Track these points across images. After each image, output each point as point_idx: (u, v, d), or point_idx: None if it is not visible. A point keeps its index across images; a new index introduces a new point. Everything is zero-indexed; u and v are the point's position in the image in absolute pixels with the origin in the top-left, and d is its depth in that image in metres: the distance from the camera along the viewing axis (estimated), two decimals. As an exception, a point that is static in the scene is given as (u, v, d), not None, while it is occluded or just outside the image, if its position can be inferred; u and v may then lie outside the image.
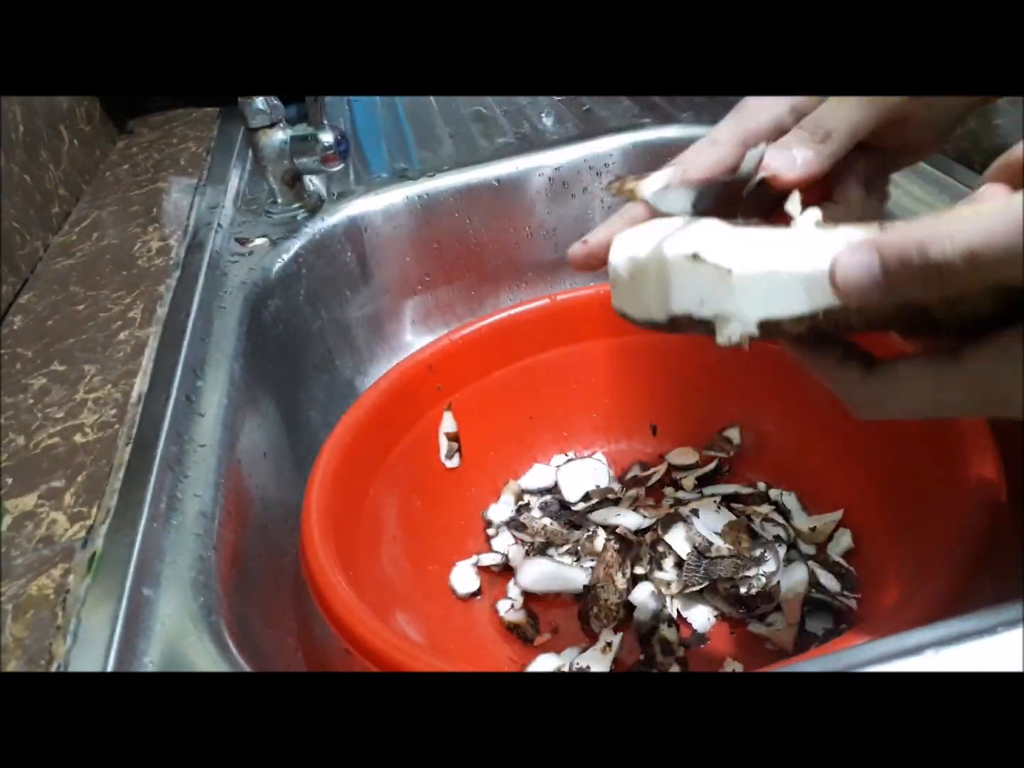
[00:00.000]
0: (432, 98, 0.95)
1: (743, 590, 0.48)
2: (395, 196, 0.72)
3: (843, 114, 0.34)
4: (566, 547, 0.55)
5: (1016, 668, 0.27)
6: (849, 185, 0.36)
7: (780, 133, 0.35)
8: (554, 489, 0.60)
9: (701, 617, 0.49)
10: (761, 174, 0.34)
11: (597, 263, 0.36)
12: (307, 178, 0.72)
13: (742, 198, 0.34)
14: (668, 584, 0.50)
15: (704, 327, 0.30)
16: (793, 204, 0.32)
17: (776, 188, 0.33)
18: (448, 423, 0.58)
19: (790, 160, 0.33)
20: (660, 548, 0.52)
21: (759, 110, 0.36)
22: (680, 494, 0.58)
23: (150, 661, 0.36)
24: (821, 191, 0.35)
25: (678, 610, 0.49)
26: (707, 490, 0.57)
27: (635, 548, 0.52)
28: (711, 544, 0.50)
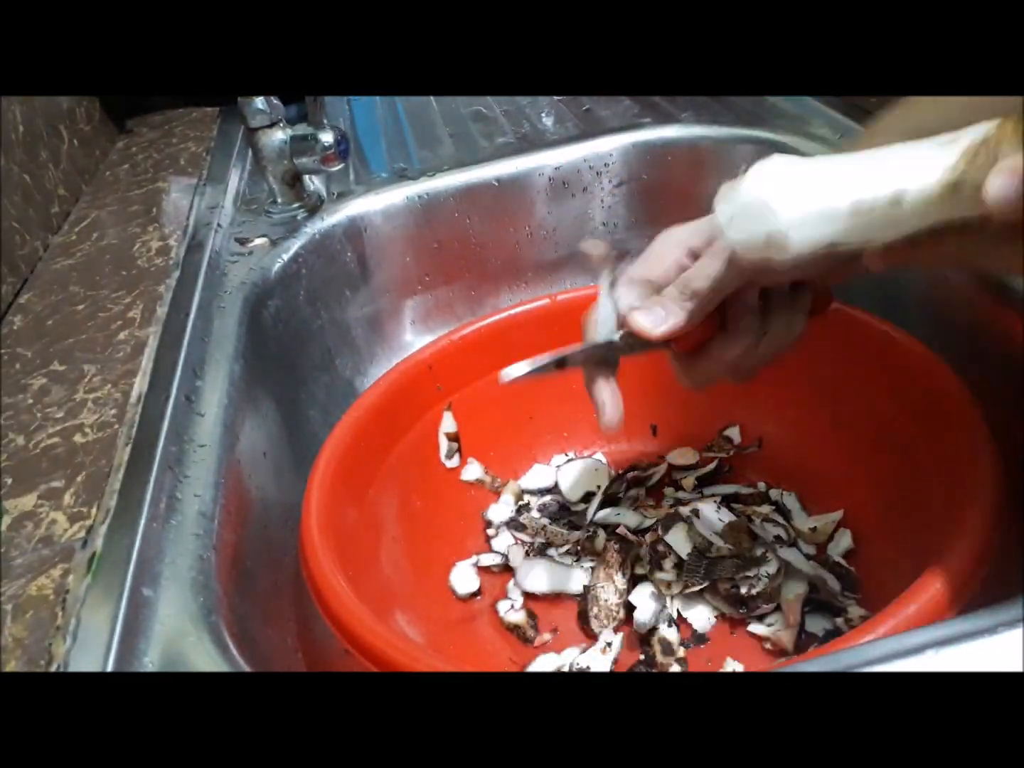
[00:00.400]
0: (432, 98, 0.95)
1: (743, 590, 0.48)
2: (395, 196, 0.72)
3: (706, 273, 0.38)
4: (566, 547, 0.55)
5: (1016, 668, 0.27)
6: (740, 315, 0.40)
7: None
8: (554, 489, 0.60)
9: (701, 617, 0.49)
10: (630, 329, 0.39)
11: None
12: (307, 178, 0.72)
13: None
14: (668, 584, 0.50)
15: None
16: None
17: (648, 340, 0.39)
18: (448, 423, 0.58)
19: (657, 318, 0.39)
20: (660, 548, 0.51)
21: (661, 257, 0.41)
22: (680, 494, 0.58)
23: (150, 661, 0.35)
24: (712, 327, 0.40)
25: (678, 610, 0.49)
26: (707, 490, 0.57)
27: (635, 548, 0.52)
28: (711, 544, 0.50)
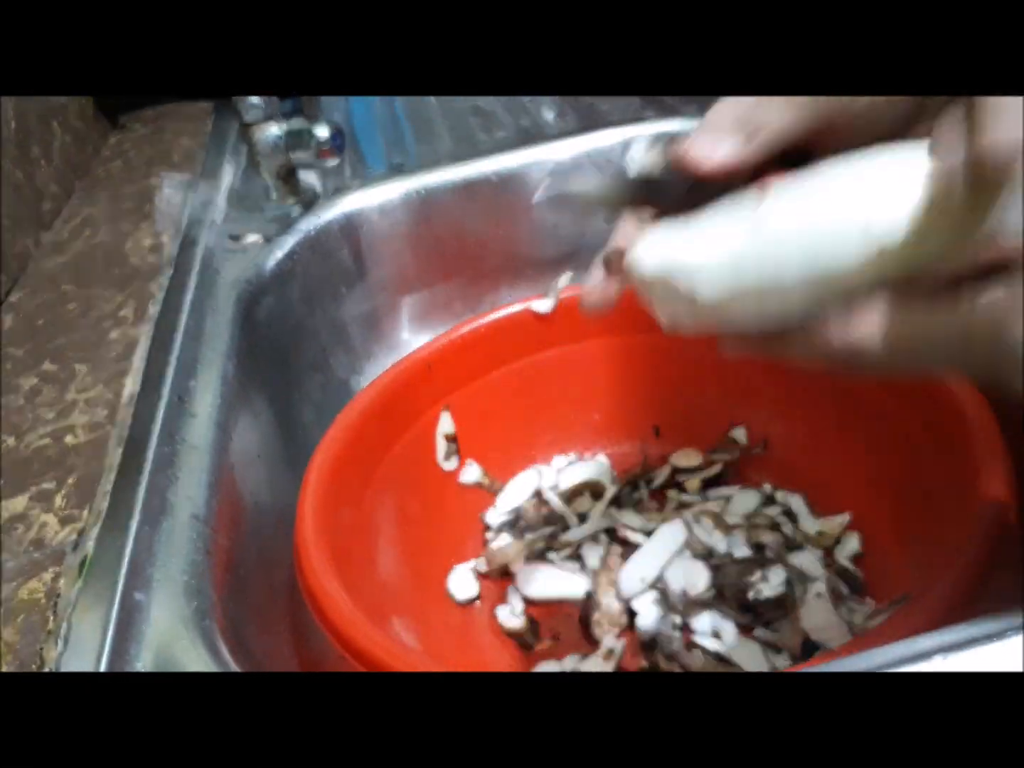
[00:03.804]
0: (429, 93, 0.94)
1: (749, 595, 0.47)
2: (392, 191, 0.71)
3: (773, 113, 0.33)
4: (567, 551, 0.54)
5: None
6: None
7: None
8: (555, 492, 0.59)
9: (706, 623, 0.48)
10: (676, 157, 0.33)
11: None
12: (302, 173, 0.71)
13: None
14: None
15: None
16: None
17: (696, 176, 0.33)
18: (446, 424, 0.57)
19: (711, 148, 0.33)
20: (663, 552, 0.51)
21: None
22: (684, 497, 0.57)
23: (142, 666, 0.35)
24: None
25: (682, 616, 0.49)
26: (712, 492, 0.56)
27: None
28: (715, 549, 0.49)
